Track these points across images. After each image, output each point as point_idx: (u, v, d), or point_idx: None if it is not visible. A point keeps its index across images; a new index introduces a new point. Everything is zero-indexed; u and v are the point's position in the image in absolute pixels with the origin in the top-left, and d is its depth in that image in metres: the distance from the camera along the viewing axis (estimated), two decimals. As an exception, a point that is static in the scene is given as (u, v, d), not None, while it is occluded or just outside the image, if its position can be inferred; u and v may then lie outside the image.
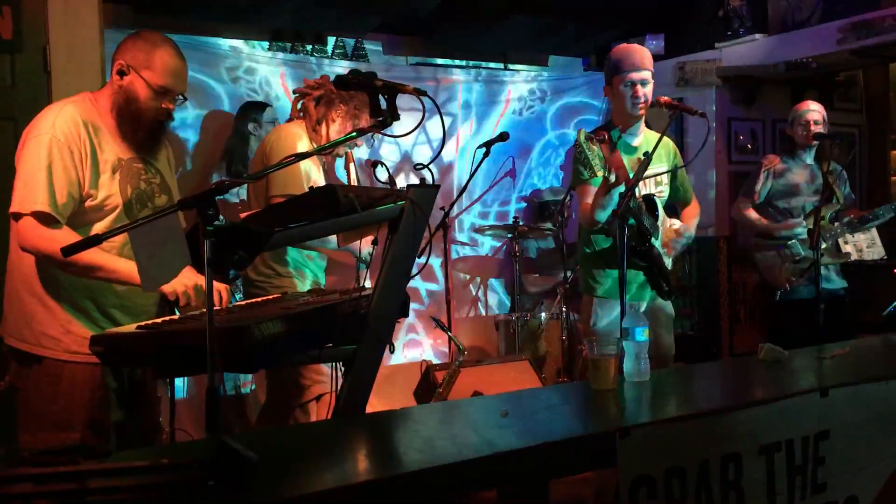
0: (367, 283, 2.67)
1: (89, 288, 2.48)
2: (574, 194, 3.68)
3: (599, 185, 3.05)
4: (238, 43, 5.19)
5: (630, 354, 2.43)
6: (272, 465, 1.63)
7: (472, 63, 6.20)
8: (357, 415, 2.15)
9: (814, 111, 4.59)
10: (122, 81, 2.50)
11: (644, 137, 3.40)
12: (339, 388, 2.20)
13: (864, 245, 4.89)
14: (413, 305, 4.97)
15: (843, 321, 4.44)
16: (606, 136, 3.13)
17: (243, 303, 2.67)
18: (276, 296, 2.78)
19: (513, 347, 5.17)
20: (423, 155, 5.77)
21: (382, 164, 3.00)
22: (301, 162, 3.10)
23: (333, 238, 3.31)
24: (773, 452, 2.10)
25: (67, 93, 2.98)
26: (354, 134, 2.16)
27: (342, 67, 5.38)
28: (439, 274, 5.70)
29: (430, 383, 4.19)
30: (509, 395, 2.53)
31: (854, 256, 4.69)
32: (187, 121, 4.85)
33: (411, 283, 2.36)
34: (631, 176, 2.92)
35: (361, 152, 5.41)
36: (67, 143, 2.40)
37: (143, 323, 2.09)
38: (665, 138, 3.16)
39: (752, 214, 4.69)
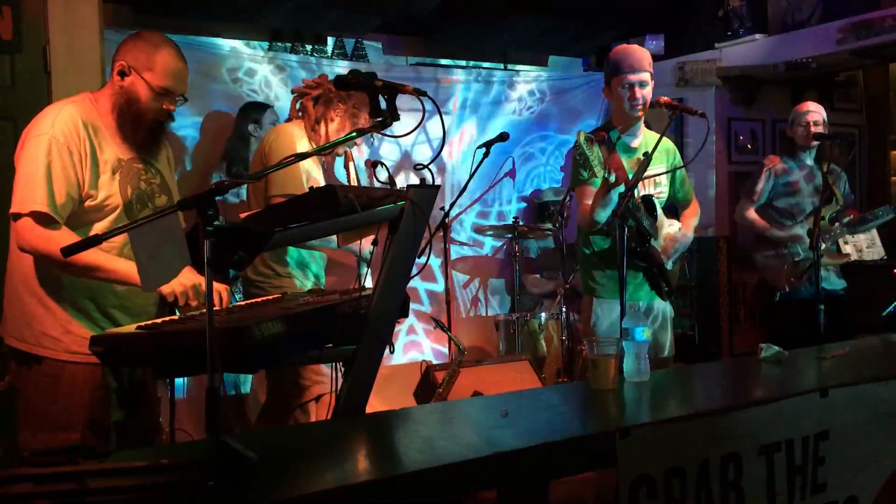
0: (368, 283, 2.67)
1: (89, 288, 2.48)
2: (574, 195, 3.68)
3: (599, 186, 3.05)
4: (238, 43, 5.19)
5: (630, 354, 2.43)
6: (272, 466, 1.63)
7: (472, 63, 6.20)
8: (357, 415, 2.15)
9: (814, 112, 4.59)
10: (122, 82, 2.50)
11: (643, 138, 3.40)
12: (339, 388, 2.20)
13: (864, 245, 4.89)
14: (412, 306, 4.97)
15: (843, 321, 4.44)
16: (606, 137, 3.13)
17: (243, 303, 2.67)
18: (275, 296, 2.78)
19: (513, 347, 5.17)
20: (423, 155, 5.77)
21: (382, 164, 3.00)
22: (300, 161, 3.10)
23: (334, 237, 3.31)
24: (773, 452, 2.10)
25: (67, 93, 2.98)
26: (354, 134, 2.16)
27: (342, 68, 5.38)
28: (438, 274, 5.70)
29: (429, 383, 4.19)
30: (509, 395, 2.53)
31: (854, 257, 4.70)
32: (187, 121, 4.85)
33: (410, 283, 2.35)
34: (630, 177, 2.92)
35: (361, 152, 5.42)
36: (67, 143, 2.40)
37: (143, 323, 2.09)
38: (665, 139, 3.16)
39: (755, 217, 4.67)
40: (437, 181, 5.71)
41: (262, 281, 3.42)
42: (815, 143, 4.56)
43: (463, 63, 6.17)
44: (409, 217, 2.19)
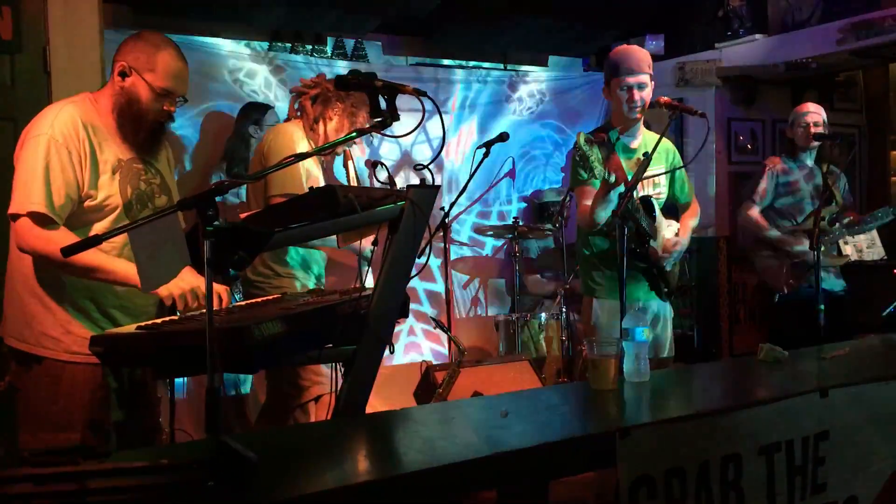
0: (369, 281, 2.67)
1: (89, 288, 2.48)
2: (574, 195, 3.68)
3: (598, 187, 3.05)
4: (238, 43, 5.19)
5: (630, 355, 2.43)
6: (272, 466, 1.63)
7: (472, 63, 6.20)
8: (357, 415, 2.15)
9: (813, 113, 4.59)
10: (123, 83, 2.50)
11: (643, 139, 3.40)
12: (338, 388, 2.20)
13: (864, 245, 4.89)
14: (412, 306, 4.97)
15: (842, 321, 4.44)
16: (605, 139, 3.13)
17: (243, 303, 2.67)
18: (275, 296, 2.78)
19: (513, 348, 5.17)
20: (423, 155, 5.78)
21: (382, 164, 3.00)
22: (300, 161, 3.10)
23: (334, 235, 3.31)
24: (773, 453, 2.10)
25: (67, 93, 2.98)
26: (354, 134, 2.16)
27: (342, 68, 5.38)
28: (437, 274, 5.71)
29: (429, 384, 4.19)
30: (509, 395, 2.53)
31: (854, 257, 4.70)
32: (187, 121, 4.85)
33: (410, 283, 2.35)
34: (630, 177, 2.92)
35: (363, 151, 5.42)
36: (66, 143, 2.40)
37: (142, 323, 2.09)
38: (664, 139, 3.16)
39: (758, 217, 4.65)
40: (437, 181, 5.71)
41: (261, 281, 3.42)
42: (816, 143, 4.56)
43: (463, 63, 6.17)
44: (409, 217, 2.20)
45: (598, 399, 2.32)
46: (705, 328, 6.02)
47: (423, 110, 1.98)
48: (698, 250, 5.91)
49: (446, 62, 6.11)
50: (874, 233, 4.78)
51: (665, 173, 3.41)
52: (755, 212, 4.66)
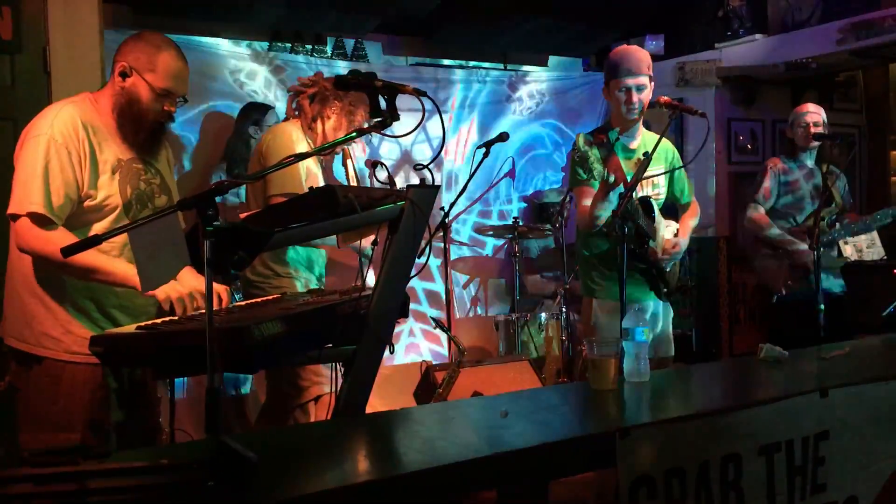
0: (371, 277, 2.67)
1: (89, 288, 2.48)
2: (573, 196, 3.69)
3: (598, 188, 3.05)
4: (238, 43, 5.19)
5: (630, 355, 2.43)
6: (272, 466, 1.63)
7: (472, 63, 6.20)
8: (357, 415, 2.15)
9: (813, 113, 4.58)
10: (124, 83, 2.50)
11: (642, 139, 3.40)
12: (338, 388, 2.20)
13: (864, 245, 4.89)
14: (411, 305, 4.97)
15: (842, 321, 4.43)
16: (604, 139, 3.13)
17: (243, 303, 2.66)
18: (275, 296, 2.78)
19: (513, 348, 5.17)
20: (423, 155, 5.78)
21: (382, 164, 3.00)
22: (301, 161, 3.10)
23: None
24: (772, 453, 2.10)
25: (67, 93, 2.98)
26: (354, 134, 2.16)
27: (342, 68, 5.38)
28: (436, 273, 5.71)
29: (429, 384, 4.19)
30: (509, 395, 2.53)
31: (854, 257, 4.69)
32: (187, 121, 4.85)
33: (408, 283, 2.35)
34: (629, 178, 2.93)
35: (363, 150, 5.42)
36: (65, 143, 2.40)
37: (142, 323, 2.09)
38: (664, 140, 3.16)
39: (762, 219, 4.63)
40: (437, 181, 5.71)
41: (260, 281, 3.42)
42: (815, 143, 4.55)
43: (463, 63, 6.17)
44: (408, 217, 2.19)
45: (598, 399, 2.32)
46: (705, 328, 6.02)
47: (423, 110, 1.98)
48: (698, 250, 5.91)
49: (446, 62, 6.11)
50: (874, 233, 4.78)
51: (664, 173, 3.41)
52: (759, 212, 4.64)
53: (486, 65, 6.24)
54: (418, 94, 2.00)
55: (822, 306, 3.94)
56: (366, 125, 3.48)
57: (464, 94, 5.99)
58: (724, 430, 2.04)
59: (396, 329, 5.37)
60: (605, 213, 3.10)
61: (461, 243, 5.94)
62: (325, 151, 3.45)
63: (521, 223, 5.59)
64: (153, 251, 1.78)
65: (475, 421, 2.14)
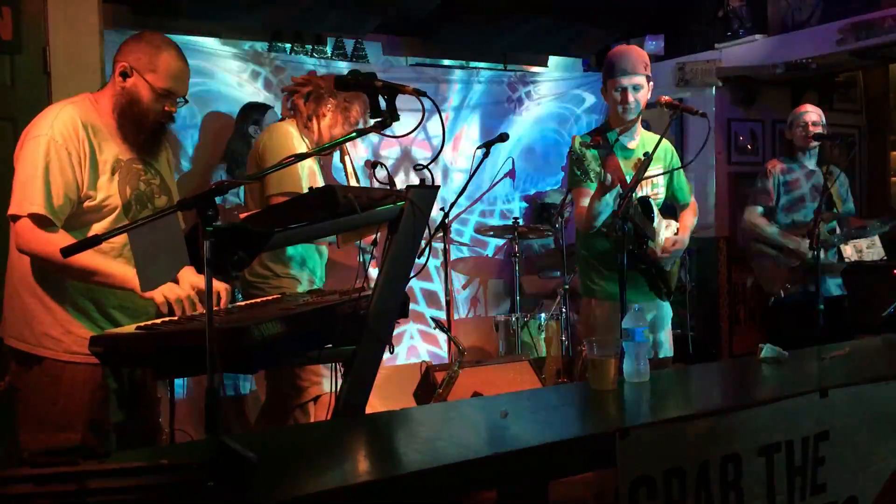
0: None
1: (89, 289, 2.48)
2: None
3: (595, 189, 3.05)
4: (238, 44, 5.19)
5: (630, 355, 2.43)
6: (272, 466, 1.64)
7: (471, 63, 6.20)
8: (357, 415, 2.15)
9: (811, 112, 4.59)
10: (125, 83, 2.50)
11: (641, 139, 3.40)
12: (338, 388, 2.20)
13: (864, 246, 4.90)
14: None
15: (841, 322, 4.43)
16: (601, 140, 3.13)
17: (243, 303, 2.66)
18: (275, 296, 2.78)
19: (513, 348, 5.17)
20: (422, 154, 5.78)
21: (382, 164, 3.00)
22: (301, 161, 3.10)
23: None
24: (772, 453, 2.10)
25: (67, 94, 2.98)
26: (354, 134, 2.16)
27: (342, 68, 5.38)
28: (434, 273, 5.71)
29: (429, 384, 4.19)
30: (509, 395, 2.53)
31: (854, 257, 4.69)
32: (187, 122, 4.85)
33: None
34: (628, 178, 2.93)
35: (361, 151, 5.42)
36: (65, 144, 2.40)
37: (142, 323, 2.09)
38: (663, 140, 3.16)
39: (760, 219, 4.62)
40: (437, 181, 5.71)
41: (259, 282, 3.42)
42: (815, 143, 4.55)
43: (463, 63, 6.17)
44: (408, 217, 2.19)
45: (597, 399, 2.32)
46: (705, 328, 6.02)
47: (423, 110, 1.98)
48: (698, 250, 5.91)
49: (446, 62, 6.11)
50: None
51: (664, 174, 3.41)
52: (756, 213, 4.64)
53: (486, 65, 6.24)
54: (418, 94, 2.00)
55: (822, 307, 3.94)
56: (362, 123, 3.49)
57: (464, 95, 5.99)
58: (724, 430, 2.04)
59: (397, 331, 5.37)
60: (604, 213, 3.10)
61: (461, 243, 5.94)
62: (325, 151, 3.46)
63: (521, 223, 5.58)
64: (153, 252, 1.78)
65: (475, 421, 2.14)
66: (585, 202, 3.19)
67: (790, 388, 2.35)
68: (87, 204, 2.45)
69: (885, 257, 5.24)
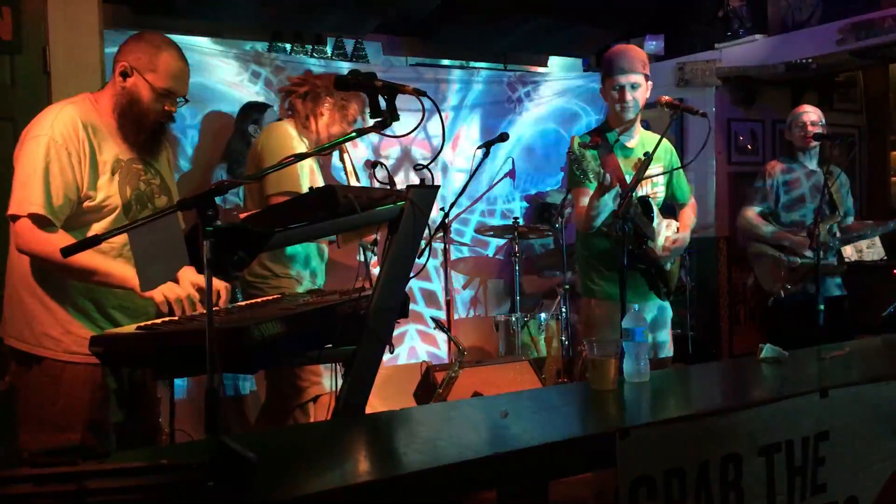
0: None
1: (89, 289, 2.48)
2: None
3: (594, 190, 3.05)
4: (238, 44, 5.18)
5: (630, 355, 2.43)
6: (272, 466, 1.63)
7: (471, 63, 6.20)
8: (357, 415, 2.15)
9: (810, 113, 4.59)
10: (125, 83, 2.50)
11: (640, 138, 3.40)
12: (338, 388, 2.20)
13: (864, 245, 4.90)
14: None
15: (841, 322, 4.43)
16: (600, 140, 3.13)
17: (243, 303, 2.66)
18: (275, 296, 2.78)
19: (513, 348, 5.17)
20: (423, 154, 5.78)
21: (382, 164, 3.00)
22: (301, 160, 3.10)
23: None
24: (772, 453, 2.10)
25: (67, 93, 2.98)
26: (354, 134, 2.16)
27: (342, 68, 5.38)
28: (433, 273, 5.70)
29: (429, 384, 4.19)
30: (509, 395, 2.53)
31: (854, 257, 4.69)
32: (186, 122, 4.85)
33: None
34: (628, 178, 2.93)
35: (361, 151, 5.42)
36: (65, 144, 2.40)
37: (142, 323, 2.09)
38: (663, 139, 3.16)
39: (756, 218, 4.63)
40: (437, 181, 5.71)
41: (259, 282, 3.42)
42: (815, 143, 4.54)
43: (463, 63, 6.17)
44: (408, 217, 2.19)
45: (598, 399, 2.32)
46: (705, 328, 6.02)
47: (423, 110, 1.98)
48: (698, 251, 5.91)
49: (446, 62, 6.11)
50: (874, 234, 4.79)
51: (664, 173, 3.40)
52: (752, 212, 4.64)
53: (486, 65, 6.24)
54: (418, 94, 2.00)
55: (822, 306, 3.94)
56: (360, 121, 3.49)
57: (463, 95, 5.99)
58: (724, 430, 2.04)
59: (398, 331, 5.38)
60: (603, 213, 3.10)
61: (461, 243, 5.94)
62: (325, 152, 3.45)
63: (521, 223, 5.58)
64: (152, 251, 1.78)
65: (475, 421, 2.14)
66: (585, 202, 3.19)
67: (790, 388, 2.35)
68: (87, 204, 2.45)
69: (885, 257, 5.24)
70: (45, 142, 2.38)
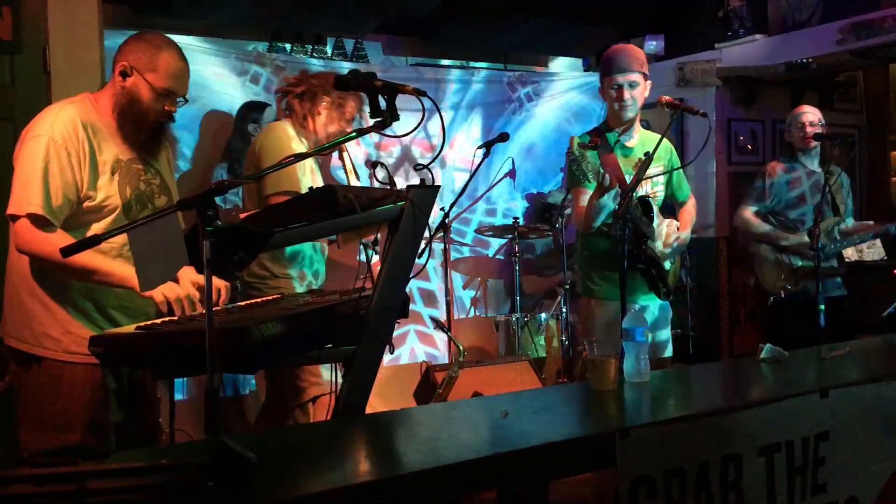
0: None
1: (89, 289, 2.48)
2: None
3: (594, 190, 3.05)
4: (238, 43, 5.18)
5: (630, 355, 2.42)
6: (272, 466, 1.63)
7: (471, 63, 6.20)
8: (357, 415, 2.15)
9: (809, 113, 4.59)
10: (125, 83, 2.50)
11: (640, 138, 3.40)
12: (338, 388, 2.20)
13: (864, 245, 4.89)
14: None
15: (841, 322, 4.43)
16: (599, 140, 3.13)
17: (242, 304, 2.66)
18: (275, 297, 2.78)
19: (513, 348, 5.17)
20: (423, 154, 5.77)
21: (382, 164, 3.00)
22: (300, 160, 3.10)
23: None
24: (772, 453, 2.10)
25: (67, 93, 2.98)
26: (354, 134, 2.16)
27: (342, 68, 5.38)
28: (432, 273, 5.70)
29: (429, 384, 4.19)
30: (509, 395, 2.53)
31: (854, 257, 4.69)
32: (186, 121, 4.85)
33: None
34: (627, 177, 2.93)
35: (361, 151, 5.42)
36: (65, 144, 2.40)
37: (142, 323, 2.09)
38: (663, 139, 3.16)
39: (753, 218, 4.63)
40: (437, 181, 5.71)
41: (258, 282, 3.42)
42: (815, 143, 4.54)
43: (463, 63, 6.17)
44: (408, 217, 2.19)
45: (598, 399, 2.32)
46: (705, 328, 6.01)
47: (423, 110, 1.98)
48: (698, 250, 5.91)
49: (446, 62, 6.11)
50: (874, 234, 4.78)
51: (664, 173, 3.40)
52: (749, 211, 4.64)
53: (486, 65, 6.24)
54: (418, 94, 2.00)
55: (823, 306, 3.94)
56: (358, 119, 3.49)
57: (463, 95, 5.99)
58: (724, 430, 2.04)
59: (398, 331, 5.37)
60: (602, 213, 3.10)
61: (461, 243, 5.93)
62: (325, 151, 3.45)
63: (522, 223, 5.58)
64: (152, 251, 1.78)
65: (475, 421, 2.14)
66: (584, 202, 3.19)
67: (790, 388, 2.35)
68: (86, 204, 2.45)
69: (886, 257, 5.23)
70: (45, 142, 2.38)
